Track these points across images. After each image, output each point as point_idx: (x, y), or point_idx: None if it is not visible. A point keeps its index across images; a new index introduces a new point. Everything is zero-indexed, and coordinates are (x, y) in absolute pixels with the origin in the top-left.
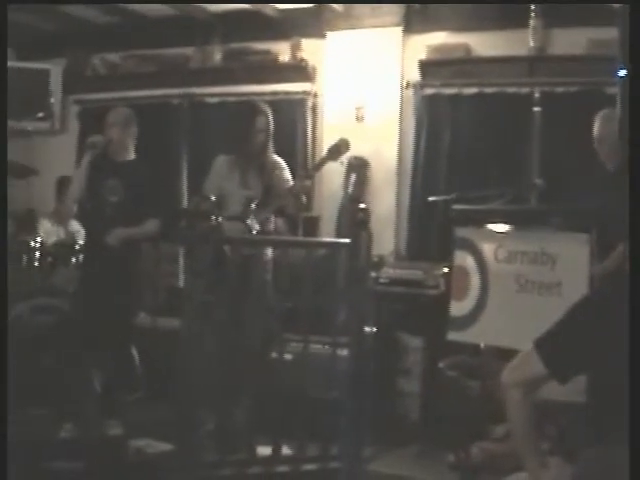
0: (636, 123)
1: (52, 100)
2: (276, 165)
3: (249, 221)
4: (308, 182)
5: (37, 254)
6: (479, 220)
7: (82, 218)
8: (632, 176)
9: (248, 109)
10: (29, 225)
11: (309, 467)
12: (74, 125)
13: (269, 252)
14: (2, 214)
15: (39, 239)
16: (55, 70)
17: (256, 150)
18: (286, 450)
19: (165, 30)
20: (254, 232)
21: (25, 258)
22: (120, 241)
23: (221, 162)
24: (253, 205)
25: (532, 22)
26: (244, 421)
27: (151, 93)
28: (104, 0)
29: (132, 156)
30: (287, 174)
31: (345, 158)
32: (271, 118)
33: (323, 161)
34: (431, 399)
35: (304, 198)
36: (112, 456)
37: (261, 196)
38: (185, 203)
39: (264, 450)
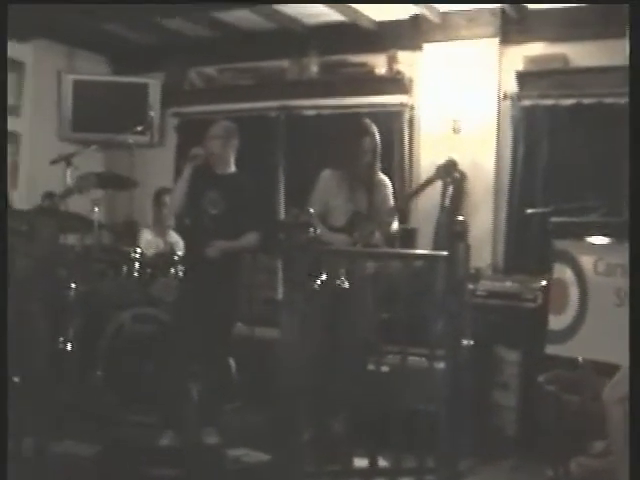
0: (637, 123)
1: (151, 113)
2: (382, 183)
3: (355, 234)
4: (411, 202)
5: (137, 265)
6: (578, 232)
7: (180, 229)
8: (632, 176)
9: (355, 128)
10: (130, 236)
11: (405, 479)
12: (172, 138)
13: (371, 265)
14: (2, 214)
15: (139, 250)
16: (153, 84)
17: (363, 169)
18: (382, 462)
19: (261, 43)
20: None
21: (125, 268)
22: (220, 253)
23: (328, 176)
24: (358, 219)
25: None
26: (341, 432)
27: (248, 106)
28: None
29: (233, 169)
30: (390, 193)
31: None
32: (378, 138)
33: (430, 180)
34: (528, 413)
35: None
36: (210, 464)
37: (367, 211)
38: (283, 215)
39: (361, 461)
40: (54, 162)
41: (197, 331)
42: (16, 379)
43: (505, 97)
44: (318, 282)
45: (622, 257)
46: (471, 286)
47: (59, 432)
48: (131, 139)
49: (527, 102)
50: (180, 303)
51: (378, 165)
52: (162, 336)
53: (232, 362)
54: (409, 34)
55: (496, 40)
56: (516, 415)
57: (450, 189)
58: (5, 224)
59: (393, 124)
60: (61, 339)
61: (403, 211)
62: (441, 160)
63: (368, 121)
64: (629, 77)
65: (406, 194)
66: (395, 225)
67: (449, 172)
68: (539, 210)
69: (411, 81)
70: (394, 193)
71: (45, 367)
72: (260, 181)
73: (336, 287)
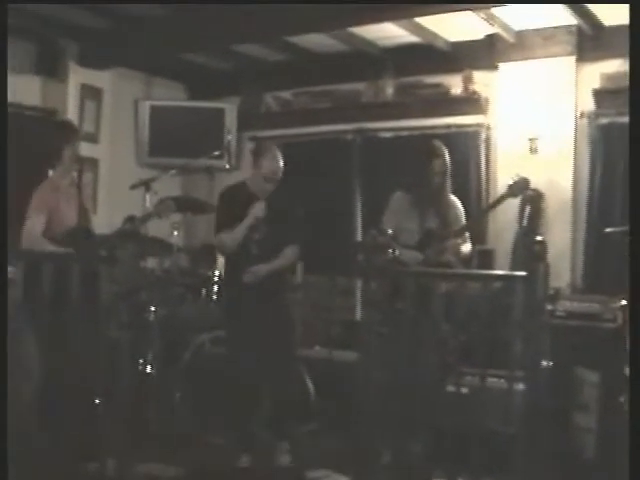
0: (637, 124)
1: (228, 138)
2: (453, 205)
3: (428, 252)
4: (484, 221)
5: (215, 287)
6: None
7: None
8: (632, 176)
9: (425, 150)
10: (208, 259)
11: None
12: (249, 161)
13: (449, 286)
14: (2, 216)
15: (217, 273)
16: (230, 108)
17: (433, 191)
18: None
19: (336, 66)
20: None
21: (204, 291)
22: (259, 278)
23: (399, 198)
24: (430, 237)
25: None
26: (420, 454)
27: (324, 129)
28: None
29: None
30: (462, 215)
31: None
32: (448, 159)
33: (502, 199)
34: (610, 435)
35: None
36: None
37: (438, 231)
38: (360, 237)
39: None
40: (134, 187)
41: (258, 355)
42: (98, 401)
43: (582, 115)
44: (396, 303)
45: None
46: (550, 307)
47: (141, 454)
48: (208, 164)
49: (604, 120)
50: (232, 329)
51: (449, 187)
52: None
53: (310, 384)
54: (484, 54)
55: (572, 58)
56: (596, 437)
57: (527, 209)
58: (5, 226)
59: (469, 144)
60: (141, 361)
61: (478, 231)
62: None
63: (438, 143)
64: (629, 77)
65: (478, 212)
66: (467, 246)
67: (521, 190)
68: (618, 229)
69: (487, 101)
70: (468, 213)
71: (126, 389)
72: (336, 203)
73: (414, 308)
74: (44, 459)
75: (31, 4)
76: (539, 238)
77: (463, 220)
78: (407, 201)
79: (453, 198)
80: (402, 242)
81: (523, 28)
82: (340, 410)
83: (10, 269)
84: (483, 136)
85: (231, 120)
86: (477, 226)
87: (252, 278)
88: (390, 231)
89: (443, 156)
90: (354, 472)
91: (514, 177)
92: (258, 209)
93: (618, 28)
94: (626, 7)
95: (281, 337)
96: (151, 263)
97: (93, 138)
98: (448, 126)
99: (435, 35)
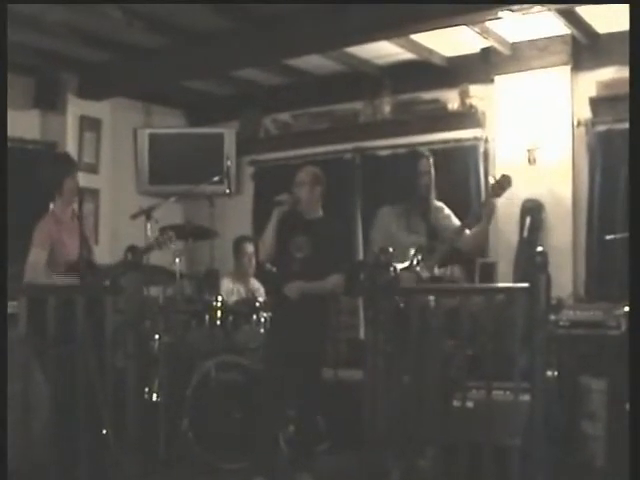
0: (637, 123)
1: (228, 163)
2: (440, 210)
3: (418, 269)
4: (480, 223)
5: (219, 313)
6: None
7: (262, 275)
8: (632, 176)
9: (410, 155)
10: (212, 285)
11: None
12: (249, 186)
13: (452, 300)
14: (2, 215)
15: (220, 298)
16: (229, 133)
17: (420, 194)
18: None
19: (334, 86)
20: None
21: (208, 317)
22: (299, 294)
23: (385, 212)
24: (417, 251)
25: None
26: (429, 470)
27: (323, 149)
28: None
29: (320, 213)
30: (453, 220)
31: (519, 201)
32: (432, 161)
33: (489, 198)
34: (618, 443)
35: (479, 242)
36: None
37: (426, 242)
38: (361, 256)
39: None
40: (134, 216)
41: (287, 375)
42: (104, 431)
43: (579, 124)
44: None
45: None
46: (553, 317)
47: None
48: (209, 189)
49: (601, 127)
50: (268, 348)
51: (434, 191)
52: (247, 382)
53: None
54: (480, 67)
55: (567, 67)
56: (604, 445)
57: (528, 220)
58: (5, 226)
59: (468, 158)
60: (146, 390)
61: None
62: (519, 192)
63: (422, 148)
64: (629, 78)
65: (471, 214)
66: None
67: (503, 188)
68: (619, 236)
69: (484, 114)
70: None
71: (133, 418)
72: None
73: (416, 325)
74: None
75: (33, 40)
76: (540, 249)
77: (454, 222)
78: (393, 212)
79: (441, 204)
80: (394, 259)
81: (518, 40)
82: (347, 429)
83: (13, 303)
84: (481, 149)
85: (230, 145)
86: (474, 226)
87: (292, 293)
88: (391, 249)
89: (427, 157)
90: None
91: (520, 191)
92: (282, 196)
93: (612, 36)
94: (620, 14)
95: (311, 357)
96: (154, 291)
97: (93, 169)
98: (446, 141)
99: (430, 51)
